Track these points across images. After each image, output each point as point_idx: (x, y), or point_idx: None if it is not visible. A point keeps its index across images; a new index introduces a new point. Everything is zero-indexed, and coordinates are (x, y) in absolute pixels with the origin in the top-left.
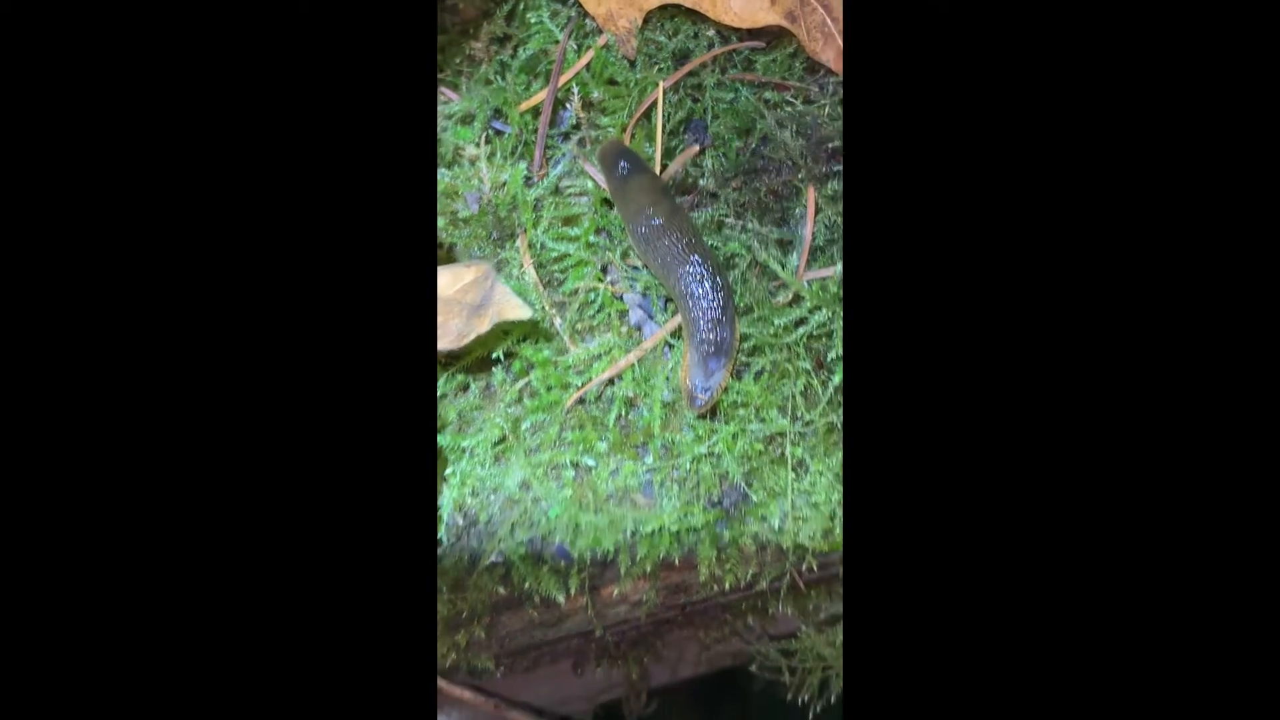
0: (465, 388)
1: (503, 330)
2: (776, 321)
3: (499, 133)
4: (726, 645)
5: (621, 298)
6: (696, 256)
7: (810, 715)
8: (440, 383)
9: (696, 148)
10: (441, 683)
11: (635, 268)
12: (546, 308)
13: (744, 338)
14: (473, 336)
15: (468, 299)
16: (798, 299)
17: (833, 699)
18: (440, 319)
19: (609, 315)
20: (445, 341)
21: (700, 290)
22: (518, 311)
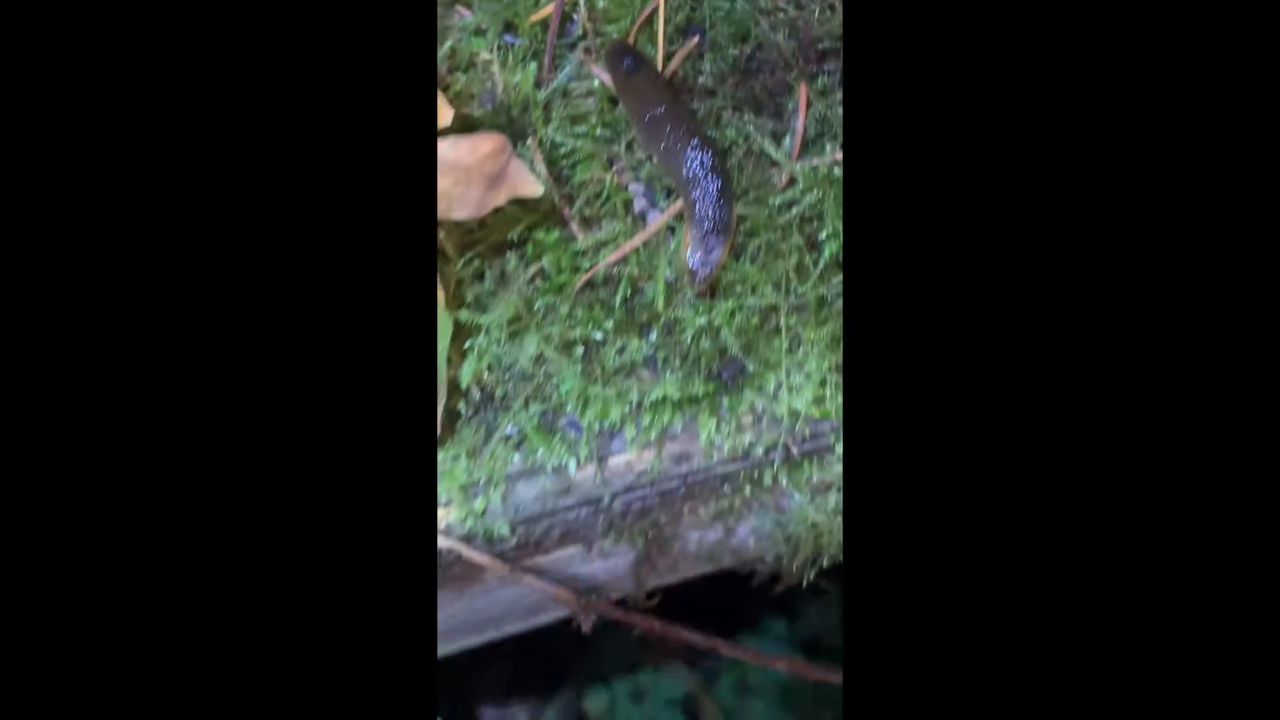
0: (480, 275)
1: (515, 217)
2: (771, 202)
3: (510, 45)
4: (729, 536)
5: (627, 187)
6: (697, 141)
7: (804, 581)
8: (456, 268)
9: (695, 38)
10: (461, 548)
11: (640, 161)
12: (556, 199)
13: (741, 219)
14: (490, 208)
15: (485, 169)
16: (792, 182)
17: (824, 563)
18: (461, 188)
19: (615, 205)
20: (466, 210)
21: (700, 173)
22: (531, 188)
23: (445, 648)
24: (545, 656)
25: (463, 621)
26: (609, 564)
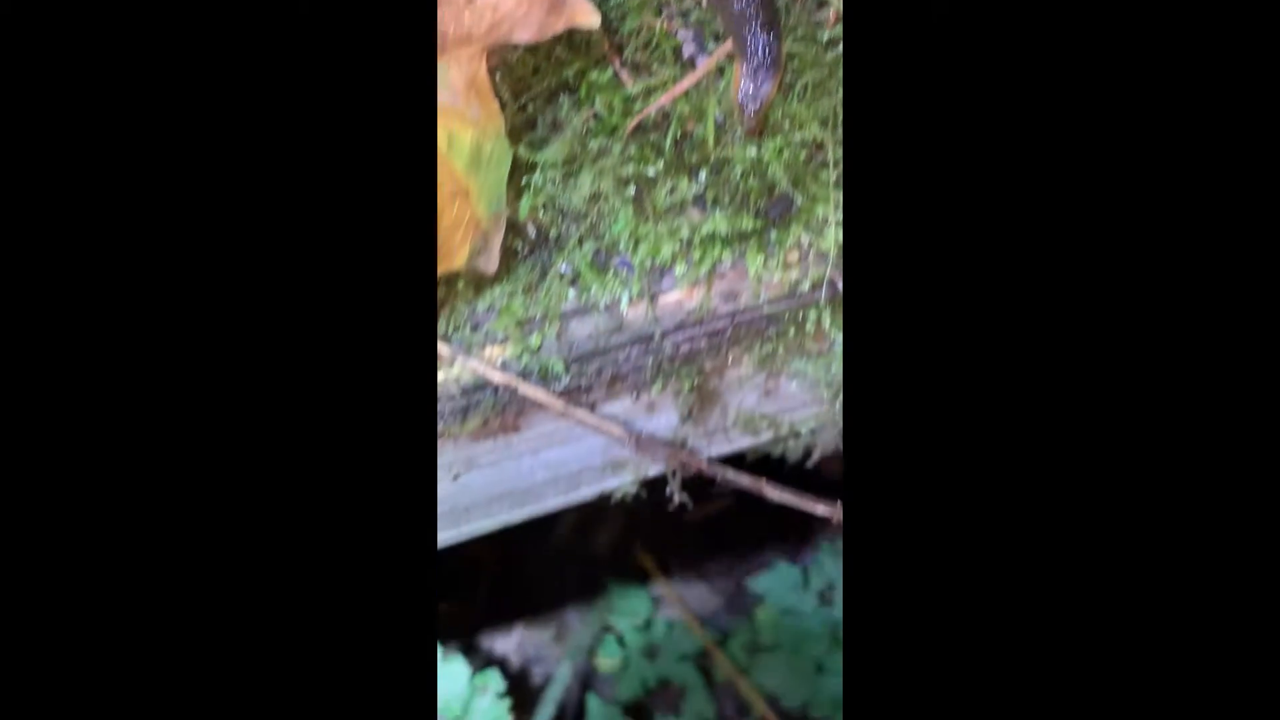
0: (533, 124)
1: (567, 60)
2: (819, 38)
3: None
4: (769, 397)
5: (676, 34)
6: None
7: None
8: (511, 112)
9: None
10: (518, 383)
11: (688, 8)
12: (607, 49)
13: (789, 57)
14: (550, 33)
15: None
16: (839, 20)
17: None
18: (523, 9)
19: (664, 51)
20: (527, 33)
21: (750, 10)
22: (589, 17)
23: (485, 522)
24: (559, 611)
25: (506, 490)
26: (655, 422)
